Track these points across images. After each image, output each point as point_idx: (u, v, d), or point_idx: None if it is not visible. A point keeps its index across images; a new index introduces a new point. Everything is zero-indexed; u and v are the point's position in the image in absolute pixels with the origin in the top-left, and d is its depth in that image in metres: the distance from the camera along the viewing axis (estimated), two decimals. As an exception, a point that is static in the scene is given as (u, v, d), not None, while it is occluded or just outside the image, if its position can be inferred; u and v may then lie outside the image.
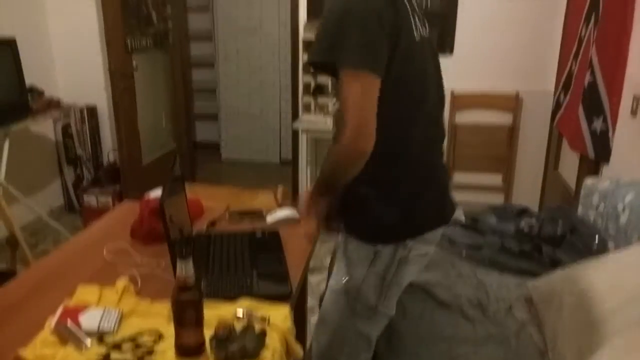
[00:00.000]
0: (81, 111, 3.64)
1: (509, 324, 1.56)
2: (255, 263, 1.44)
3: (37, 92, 3.13)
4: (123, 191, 3.32)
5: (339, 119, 1.17)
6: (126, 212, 1.85)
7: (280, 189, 2.10)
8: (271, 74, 4.85)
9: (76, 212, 3.82)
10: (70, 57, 3.64)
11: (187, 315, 1.10)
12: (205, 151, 5.20)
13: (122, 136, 3.19)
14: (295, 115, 3.73)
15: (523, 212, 2.21)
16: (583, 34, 2.67)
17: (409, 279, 1.38)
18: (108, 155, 3.79)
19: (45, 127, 3.61)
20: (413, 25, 1.21)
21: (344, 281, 1.37)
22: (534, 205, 3.46)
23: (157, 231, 1.63)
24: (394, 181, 1.27)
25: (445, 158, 3.48)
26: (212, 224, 1.75)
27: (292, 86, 3.71)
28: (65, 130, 3.70)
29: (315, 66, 1.19)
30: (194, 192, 1.92)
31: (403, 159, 1.26)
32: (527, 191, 3.54)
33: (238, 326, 1.15)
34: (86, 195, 3.56)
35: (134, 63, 3.17)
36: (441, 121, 1.37)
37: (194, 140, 4.91)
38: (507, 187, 3.58)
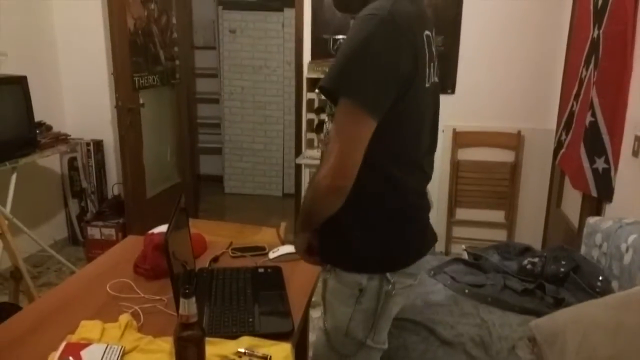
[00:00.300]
0: (87, 145, 3.70)
1: (512, 364, 1.55)
2: (257, 299, 1.44)
3: (45, 127, 3.19)
4: (127, 224, 3.34)
5: (326, 146, 1.18)
6: (130, 247, 1.86)
7: (282, 226, 2.11)
8: (275, 110, 4.93)
9: (79, 244, 3.83)
10: (79, 94, 3.73)
11: (189, 353, 1.10)
12: (208, 184, 5.25)
13: (127, 170, 3.22)
14: (298, 151, 3.77)
15: (526, 250, 2.21)
16: (584, 75, 2.72)
17: (396, 310, 1.36)
18: (113, 189, 3.82)
19: (51, 161, 3.65)
20: (427, 75, 1.20)
21: (327, 322, 1.35)
22: (536, 242, 3.45)
23: (160, 267, 1.64)
24: (379, 218, 1.25)
25: (447, 194, 3.50)
26: (215, 259, 1.76)
27: (296, 122, 3.76)
28: (72, 164, 3.74)
29: (323, 91, 1.18)
30: (197, 227, 1.93)
31: (390, 198, 1.24)
32: (530, 228, 3.54)
33: (240, 364, 1.15)
34: (90, 228, 3.58)
35: (141, 100, 3.23)
36: (430, 162, 1.36)
37: (197, 174, 4.96)
38: (509, 224, 3.58)
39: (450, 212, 3.61)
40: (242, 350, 1.22)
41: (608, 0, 2.42)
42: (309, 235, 1.34)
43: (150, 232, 1.74)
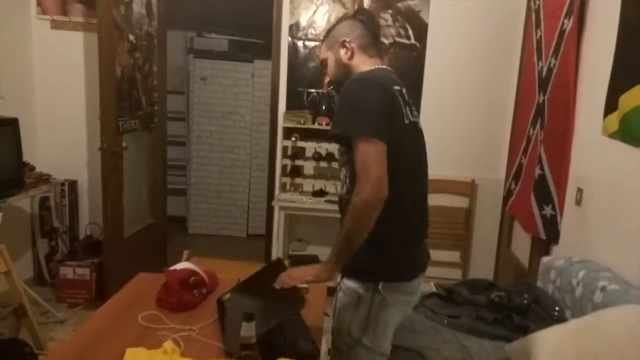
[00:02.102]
0: (62, 185, 3.76)
1: (493, 382, 1.81)
2: (282, 326, 1.63)
3: (29, 167, 3.25)
4: (105, 264, 3.39)
5: (354, 178, 1.47)
6: (145, 283, 2.01)
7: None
8: (242, 154, 5.15)
9: (46, 284, 3.81)
10: (54, 133, 3.80)
11: (247, 370, 1.29)
12: (171, 225, 5.30)
13: (108, 211, 3.31)
14: (270, 194, 3.98)
15: (491, 285, 2.52)
16: (531, 133, 3.14)
17: (393, 320, 1.62)
18: (86, 229, 3.86)
19: (21, 200, 3.67)
20: (404, 112, 1.55)
21: (334, 324, 1.65)
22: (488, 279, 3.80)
23: (185, 300, 1.81)
24: (383, 235, 1.51)
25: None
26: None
27: (269, 167, 3.99)
28: (43, 203, 3.76)
29: (335, 138, 1.55)
30: (206, 264, 2.10)
31: (393, 219, 1.51)
32: (483, 267, 3.90)
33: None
34: (62, 268, 3.59)
35: (124, 143, 3.37)
36: (426, 190, 1.69)
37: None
38: (464, 264, 3.93)
39: (412, 253, 3.91)
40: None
41: (551, 72, 2.86)
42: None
43: (173, 268, 1.90)
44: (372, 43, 1.69)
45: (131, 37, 3.37)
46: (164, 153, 4.17)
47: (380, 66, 1.65)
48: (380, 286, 1.56)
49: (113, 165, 3.29)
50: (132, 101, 3.48)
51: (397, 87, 1.57)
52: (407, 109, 1.58)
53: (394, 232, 1.55)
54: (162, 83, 3.99)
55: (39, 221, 3.77)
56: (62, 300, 3.57)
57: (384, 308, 1.57)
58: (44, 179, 3.29)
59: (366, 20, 1.71)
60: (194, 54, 5.03)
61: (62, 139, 3.80)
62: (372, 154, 1.42)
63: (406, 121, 1.55)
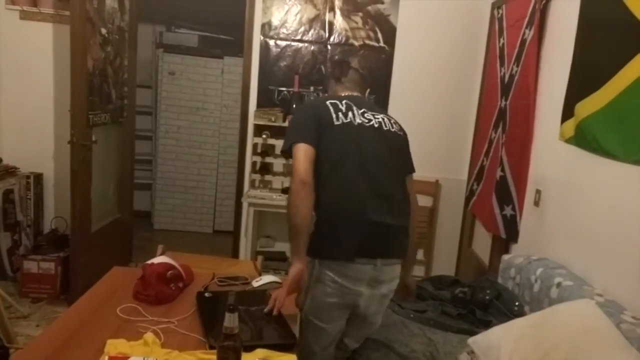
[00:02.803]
0: (27, 178, 3.69)
1: (457, 372, 1.92)
2: (260, 318, 1.70)
3: (-5, 159, 3.19)
4: (72, 258, 3.36)
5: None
6: (120, 277, 2.03)
7: (260, 259, 2.37)
8: (210, 150, 5.15)
9: (7, 279, 3.73)
10: (21, 125, 3.73)
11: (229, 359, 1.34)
12: (136, 220, 5.25)
13: (77, 205, 3.27)
14: (240, 190, 4.02)
15: (455, 282, 2.64)
16: (493, 136, 3.29)
17: (330, 299, 1.78)
18: (51, 223, 3.81)
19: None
20: (351, 116, 1.87)
21: None
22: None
23: (163, 294, 1.84)
24: (318, 217, 1.78)
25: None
26: (205, 287, 1.98)
27: (239, 164, 4.02)
28: (7, 196, 3.69)
29: (283, 154, 1.91)
30: (180, 259, 2.14)
31: (323, 203, 1.78)
32: (445, 265, 4.04)
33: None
34: (26, 262, 3.53)
35: (93, 137, 3.34)
36: (381, 178, 1.83)
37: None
38: (427, 261, 4.07)
39: (378, 250, 4.02)
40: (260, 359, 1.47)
41: (513, 78, 3.01)
42: (302, 267, 1.71)
43: (150, 262, 1.93)
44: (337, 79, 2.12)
45: (103, 31, 3.34)
46: (132, 147, 4.14)
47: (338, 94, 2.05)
48: (317, 262, 1.78)
49: (82, 159, 3.26)
50: (102, 95, 3.46)
51: (333, 101, 1.92)
52: (340, 114, 1.87)
53: (324, 215, 1.78)
54: (132, 77, 3.96)
55: (2, 214, 3.69)
56: (25, 294, 3.51)
57: (319, 283, 1.78)
58: (10, 171, 3.23)
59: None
60: (163, 48, 4.99)
61: (29, 131, 3.73)
62: (296, 154, 1.78)
63: (336, 122, 1.85)
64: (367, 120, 1.88)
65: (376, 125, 1.89)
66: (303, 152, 1.77)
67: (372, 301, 1.83)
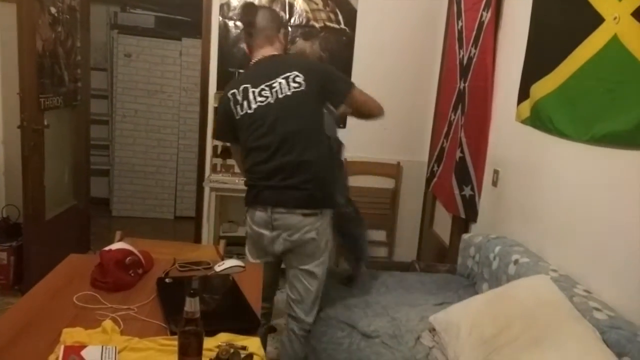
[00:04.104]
0: (-25, 165, 3.54)
1: (419, 349, 1.96)
2: (223, 302, 1.68)
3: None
4: (25, 247, 3.25)
5: None
6: (78, 264, 1.97)
7: (222, 244, 2.34)
8: (169, 134, 5.04)
9: (-45, 270, 3.58)
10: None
11: (191, 345, 1.32)
12: (93, 207, 5.12)
13: (29, 192, 3.16)
14: (201, 174, 3.96)
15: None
16: (452, 118, 3.33)
17: (251, 239, 2.26)
18: (2, 211, 3.66)
19: None
20: (246, 105, 2.13)
21: None
22: (413, 256, 4.01)
23: (123, 281, 1.80)
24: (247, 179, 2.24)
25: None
26: (166, 274, 1.95)
27: (199, 148, 3.96)
28: (-46, 184, 3.53)
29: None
30: (140, 245, 2.09)
31: (249, 171, 2.21)
32: (408, 245, 4.11)
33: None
34: (-24, 252, 3.40)
35: (45, 121, 3.22)
36: (274, 153, 2.11)
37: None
38: (390, 242, 4.12)
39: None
40: (223, 343, 1.46)
41: (472, 60, 3.05)
42: None
43: (108, 248, 1.88)
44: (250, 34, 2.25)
45: (53, 10, 3.20)
46: (87, 132, 4.02)
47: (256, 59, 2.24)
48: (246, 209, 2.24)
49: (34, 144, 3.14)
50: (54, 77, 3.33)
51: (232, 91, 2.18)
52: (238, 106, 2.15)
53: (248, 179, 2.24)
54: (85, 59, 3.82)
55: (-51, 203, 3.54)
56: (-23, 286, 3.39)
57: (248, 225, 2.25)
58: (-46, 158, 3.08)
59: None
60: (118, 29, 4.83)
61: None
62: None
63: (237, 117, 2.16)
64: (263, 99, 2.12)
65: (272, 101, 2.11)
66: (233, 151, 2.40)
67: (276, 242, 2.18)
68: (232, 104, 2.15)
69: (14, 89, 3.11)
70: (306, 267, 2.18)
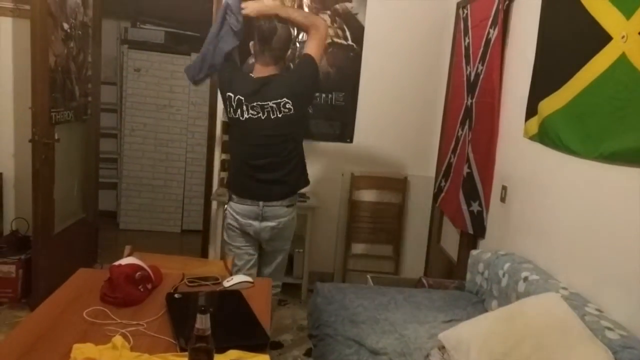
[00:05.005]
0: (-14, 178, 3.57)
1: (428, 367, 1.95)
2: (232, 318, 1.68)
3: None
4: (34, 260, 3.26)
5: None
6: (88, 279, 1.97)
7: (230, 259, 2.35)
8: (177, 148, 5.07)
9: (-36, 283, 3.59)
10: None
11: (201, 362, 1.33)
12: (101, 220, 5.14)
13: (39, 205, 3.18)
14: (208, 188, 3.97)
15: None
16: (459, 134, 3.34)
17: (232, 231, 2.62)
18: (12, 224, 3.69)
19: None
20: (239, 112, 2.48)
21: None
22: (420, 272, 3.99)
23: (132, 296, 1.81)
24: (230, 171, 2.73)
25: (345, 230, 3.90)
26: (175, 289, 1.95)
27: (207, 162, 3.98)
28: (-36, 197, 3.56)
29: None
30: (148, 259, 2.10)
31: (232, 164, 2.69)
32: (414, 261, 4.09)
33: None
34: (-15, 265, 3.41)
35: (56, 135, 3.25)
36: (261, 153, 2.51)
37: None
38: (397, 257, 4.11)
39: (348, 246, 4.04)
40: (232, 360, 1.46)
41: (479, 77, 3.07)
42: None
43: (117, 263, 1.88)
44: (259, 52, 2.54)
45: (65, 26, 3.25)
46: (96, 145, 4.05)
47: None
48: (227, 198, 2.63)
49: (44, 158, 3.16)
50: (65, 92, 3.36)
51: (229, 94, 2.50)
52: (232, 109, 2.50)
53: (230, 172, 2.71)
54: (96, 74, 3.87)
55: (-41, 216, 3.57)
56: (-17, 299, 3.40)
57: (227, 215, 2.63)
58: (-34, 171, 3.11)
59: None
60: (128, 44, 4.89)
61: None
62: None
63: (233, 114, 2.51)
64: (254, 113, 2.46)
65: (263, 117, 2.46)
66: None
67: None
68: (227, 103, 2.52)
69: (26, 103, 3.15)
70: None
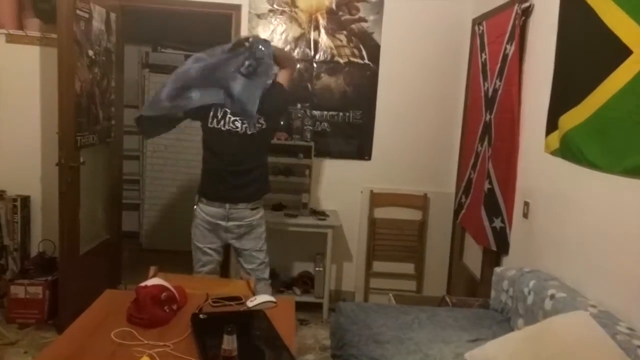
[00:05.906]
0: (14, 201, 3.65)
1: (454, 387, 1.93)
2: (257, 338, 1.69)
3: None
4: (60, 282, 3.31)
5: None
6: (115, 300, 2.00)
7: (253, 279, 2.36)
8: (197, 168, 5.10)
9: (-7, 304, 3.66)
10: (8, 148, 3.71)
11: (228, 382, 1.34)
12: (123, 240, 5.20)
13: (65, 227, 3.24)
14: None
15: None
16: (479, 150, 3.33)
17: (200, 229, 2.98)
18: (39, 246, 3.76)
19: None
20: (222, 123, 2.84)
21: None
22: (442, 290, 3.95)
23: (158, 317, 1.83)
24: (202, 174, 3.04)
25: (365, 248, 3.87)
26: (200, 309, 1.97)
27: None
28: (-7, 220, 3.64)
29: None
30: (173, 280, 2.12)
31: (204, 168, 3.03)
32: (437, 278, 4.05)
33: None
34: (13, 287, 3.47)
35: (81, 158, 3.32)
36: (234, 161, 2.87)
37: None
38: (418, 275, 4.08)
39: (369, 265, 4.03)
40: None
41: (497, 93, 3.07)
42: None
43: (144, 284, 1.91)
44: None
45: (90, 53, 3.34)
46: (120, 167, 4.12)
47: None
48: (196, 198, 2.98)
49: (70, 181, 3.23)
50: (90, 116, 3.45)
51: (227, 110, 2.84)
52: (215, 120, 2.84)
53: (202, 175, 3.04)
54: (119, 98, 3.96)
55: (-12, 239, 3.64)
56: (12, 320, 3.45)
57: (195, 214, 2.97)
58: (-3, 195, 3.19)
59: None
60: (149, 68, 4.99)
61: (16, 154, 3.72)
62: None
63: (214, 124, 2.85)
64: (234, 127, 2.82)
65: (241, 132, 2.82)
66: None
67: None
68: (211, 114, 2.85)
69: (52, 128, 3.24)
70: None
